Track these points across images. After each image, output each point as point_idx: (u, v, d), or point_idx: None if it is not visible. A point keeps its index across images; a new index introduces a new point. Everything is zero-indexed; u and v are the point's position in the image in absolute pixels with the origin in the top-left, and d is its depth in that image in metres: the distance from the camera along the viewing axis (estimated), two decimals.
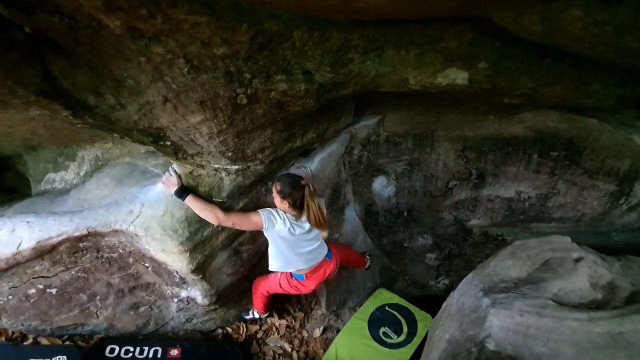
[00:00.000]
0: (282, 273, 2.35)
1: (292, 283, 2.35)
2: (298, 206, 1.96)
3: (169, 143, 1.67)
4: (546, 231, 3.04)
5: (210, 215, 1.93)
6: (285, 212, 2.00)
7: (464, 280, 2.50)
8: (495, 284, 2.01)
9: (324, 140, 2.25)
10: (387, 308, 3.38)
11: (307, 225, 2.07)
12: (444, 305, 2.67)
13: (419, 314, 3.26)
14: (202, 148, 1.69)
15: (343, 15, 1.01)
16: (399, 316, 3.26)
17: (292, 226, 1.99)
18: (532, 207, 2.85)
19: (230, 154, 1.74)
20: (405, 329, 3.12)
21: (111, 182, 2.26)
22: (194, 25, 0.97)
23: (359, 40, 1.14)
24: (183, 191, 1.96)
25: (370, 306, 3.43)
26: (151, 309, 2.80)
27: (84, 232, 2.03)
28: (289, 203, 1.95)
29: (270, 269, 2.22)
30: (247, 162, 1.90)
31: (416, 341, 2.99)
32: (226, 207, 2.09)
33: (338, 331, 3.62)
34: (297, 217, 2.02)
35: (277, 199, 2.00)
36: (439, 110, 2.37)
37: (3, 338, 2.57)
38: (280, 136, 1.78)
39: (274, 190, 2.01)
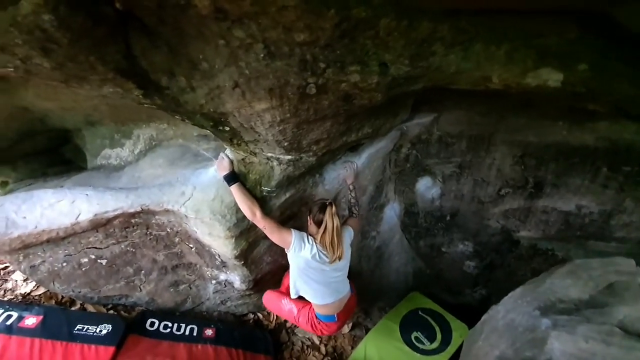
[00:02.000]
0: (301, 308, 2.20)
1: (315, 324, 2.17)
2: (317, 222, 1.94)
3: (227, 129, 1.66)
4: (604, 250, 2.82)
5: (249, 209, 1.90)
6: (314, 239, 1.95)
7: (510, 294, 2.36)
8: (553, 303, 1.87)
9: (377, 136, 2.17)
10: (420, 312, 3.29)
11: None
12: (484, 317, 2.54)
13: (454, 323, 3.15)
14: (259, 136, 1.67)
15: (441, 2, 0.93)
16: (433, 322, 3.16)
17: (318, 253, 1.92)
18: (592, 223, 2.63)
19: (286, 144, 1.72)
20: (438, 336, 3.02)
21: (164, 163, 2.31)
22: (281, 9, 0.93)
23: (448, 31, 1.06)
24: (232, 177, 1.96)
25: (402, 309, 3.35)
26: (190, 287, 2.88)
27: (138, 209, 2.10)
28: (310, 218, 1.97)
29: (291, 296, 2.14)
30: (301, 153, 1.86)
31: (450, 350, 2.89)
32: (268, 207, 2.11)
33: (366, 329, 3.58)
34: (321, 243, 1.95)
35: (308, 220, 2.03)
36: (501, 113, 2.22)
37: (53, 301, 2.74)
38: (338, 129, 1.72)
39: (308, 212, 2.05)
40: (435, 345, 2.94)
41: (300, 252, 1.90)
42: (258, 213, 1.90)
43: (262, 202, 2.11)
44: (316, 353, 3.16)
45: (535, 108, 2.11)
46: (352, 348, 3.31)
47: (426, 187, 3.10)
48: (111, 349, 2.26)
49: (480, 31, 1.06)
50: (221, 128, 1.66)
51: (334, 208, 1.93)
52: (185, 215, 2.10)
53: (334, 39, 1.06)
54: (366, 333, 3.51)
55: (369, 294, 3.73)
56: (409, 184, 3.17)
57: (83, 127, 2.82)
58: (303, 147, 1.80)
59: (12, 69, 1.15)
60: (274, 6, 0.93)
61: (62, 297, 2.76)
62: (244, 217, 2.11)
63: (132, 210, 2.09)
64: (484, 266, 3.51)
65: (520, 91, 1.29)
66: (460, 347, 2.82)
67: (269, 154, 1.88)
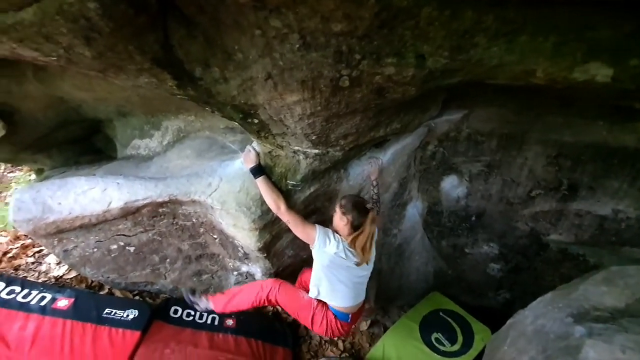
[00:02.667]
0: (317, 305, 2.05)
1: (331, 322, 2.02)
2: (355, 227, 1.84)
3: (256, 121, 1.66)
4: (638, 257, 2.67)
5: (274, 202, 1.90)
6: (340, 236, 1.87)
7: (539, 299, 2.27)
8: (587, 311, 1.78)
9: (405, 132, 2.13)
10: (441, 314, 3.23)
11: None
12: (510, 322, 2.46)
13: (477, 326, 3.07)
14: (287, 129, 1.66)
15: None
16: (454, 324, 3.10)
17: (345, 250, 1.83)
18: (629, 228, 2.49)
19: (314, 137, 1.70)
20: (460, 338, 2.96)
21: (192, 154, 2.35)
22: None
23: (493, 22, 1.01)
24: (258, 170, 1.97)
25: (422, 308, 3.30)
26: (212, 277, 2.93)
27: (166, 198, 2.14)
28: (348, 220, 1.83)
29: (310, 294, 2.05)
30: (328, 147, 1.85)
31: (472, 353, 2.82)
32: (293, 201, 2.11)
33: (385, 327, 3.55)
34: (351, 244, 1.86)
35: (337, 215, 1.89)
36: (537, 111, 2.12)
37: (84, 285, 2.86)
38: (367, 124, 1.69)
39: (337, 206, 1.91)
40: (456, 347, 2.88)
41: (325, 248, 1.82)
42: (282, 206, 1.89)
43: (287, 196, 2.11)
44: (334, 349, 3.16)
45: (574, 106, 2.00)
46: (370, 345, 3.29)
47: (452, 186, 3.03)
48: (137, 334, 2.34)
49: (527, 22, 1.01)
50: (250, 120, 1.66)
51: (374, 213, 1.88)
52: (211, 206, 2.13)
53: (373, 29, 1.03)
54: (384, 331, 3.49)
55: (388, 292, 3.69)
56: (433, 182, 3.10)
57: (114, 118, 2.90)
58: (331, 142, 1.78)
59: (55, 58, 1.18)
60: None
61: (92, 281, 2.87)
62: (269, 209, 2.12)
63: (160, 200, 2.14)
64: (509, 269, 3.40)
65: (565, 86, 1.22)
66: (483, 350, 2.75)
67: (296, 148, 1.88)
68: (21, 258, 2.91)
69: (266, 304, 2.15)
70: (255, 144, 2.03)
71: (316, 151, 1.88)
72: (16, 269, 2.82)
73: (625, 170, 2.22)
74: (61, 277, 2.79)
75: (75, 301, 2.41)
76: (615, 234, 2.56)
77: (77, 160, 3.36)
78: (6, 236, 3.11)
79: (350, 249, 1.84)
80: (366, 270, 2.01)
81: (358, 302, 2.05)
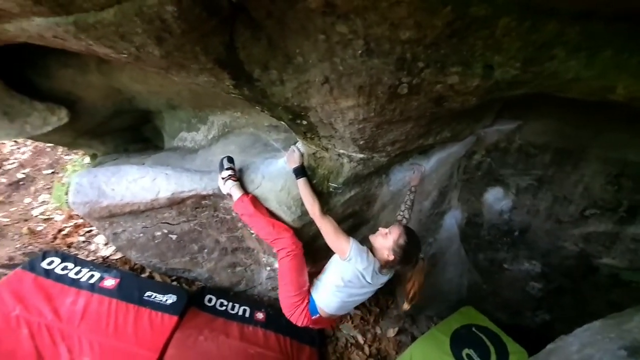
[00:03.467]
0: (305, 293, 1.99)
1: (300, 308, 1.97)
2: (398, 264, 1.76)
3: (305, 122, 1.66)
4: None
5: (311, 205, 1.88)
6: (375, 258, 1.78)
7: (586, 327, 2.11)
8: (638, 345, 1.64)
9: (454, 141, 2.05)
10: (474, 329, 3.10)
11: (383, 279, 1.89)
12: (550, 347, 2.31)
13: (512, 346, 2.93)
14: (336, 132, 1.65)
15: (574, 3, 0.82)
16: (488, 342, 2.97)
17: (373, 274, 1.76)
18: None
19: (362, 142, 1.68)
20: (493, 357, 2.83)
21: (236, 150, 2.40)
22: (393, 4, 0.89)
23: (576, 35, 0.93)
24: (301, 171, 1.97)
25: (454, 322, 3.19)
26: (245, 270, 3.00)
27: (210, 192, 2.21)
28: (395, 258, 1.71)
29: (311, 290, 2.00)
30: (374, 152, 1.82)
31: None
32: (332, 203, 2.12)
33: (412, 336, 3.48)
34: (382, 269, 1.80)
35: (387, 242, 1.74)
36: (600, 126, 1.97)
37: (127, 267, 3.02)
38: (417, 132, 1.65)
39: (392, 235, 1.74)
40: None
41: (356, 265, 1.73)
42: (318, 211, 1.86)
43: (327, 198, 2.11)
44: (359, 352, 3.14)
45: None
46: (397, 353, 3.25)
47: (496, 198, 2.89)
48: (175, 318, 2.44)
49: (617, 37, 0.93)
50: (299, 122, 1.67)
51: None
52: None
53: (442, 38, 0.99)
54: (412, 340, 3.42)
55: (418, 301, 3.60)
56: (475, 193, 2.97)
57: (164, 110, 3.02)
58: (378, 147, 1.75)
59: (125, 55, 1.24)
60: (386, 1, 0.89)
61: (135, 263, 3.04)
62: (307, 212, 2.13)
63: (204, 193, 2.21)
64: (550, 289, 3.21)
65: None
66: None
67: (341, 151, 1.86)
68: (73, 236, 3.12)
69: (270, 245, 2.10)
70: (299, 144, 2.04)
71: (361, 156, 1.86)
72: (69, 246, 3.03)
73: None
74: (108, 257, 2.97)
75: (120, 282, 2.55)
76: None
77: (127, 147, 3.55)
78: (61, 215, 3.35)
79: (378, 272, 1.79)
80: (368, 294, 1.95)
81: (337, 315, 2.05)
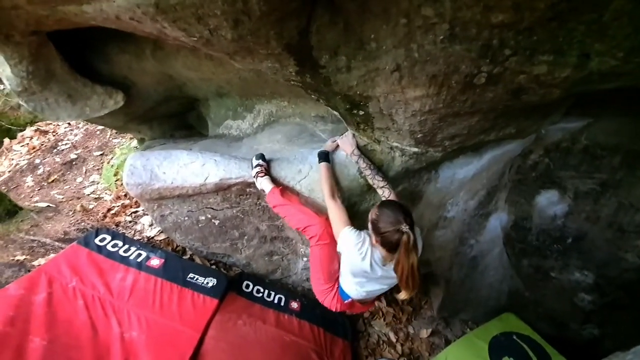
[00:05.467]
0: (335, 281, 1.88)
1: (330, 293, 1.90)
2: (389, 250, 1.51)
3: (362, 113, 1.62)
4: None
5: (330, 188, 1.83)
6: (373, 247, 1.57)
7: None
8: None
9: (516, 138, 1.93)
10: (515, 337, 2.96)
11: (393, 273, 1.57)
12: None
13: (557, 358, 2.77)
14: (393, 124, 1.59)
15: None
16: (530, 352, 2.83)
17: (373, 264, 1.57)
18: None
19: (419, 136, 1.61)
20: None
21: (282, 139, 2.40)
22: None
23: None
24: (325, 156, 1.98)
25: (493, 328, 3.06)
26: (282, 259, 3.02)
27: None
28: (377, 241, 1.52)
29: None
30: (430, 146, 1.74)
31: None
32: (378, 198, 2.01)
33: (446, 339, 3.39)
34: (386, 260, 1.57)
35: (370, 226, 1.59)
36: None
37: (170, 248, 3.12)
38: (481, 126, 1.55)
39: (370, 216, 1.59)
40: None
41: (350, 257, 1.60)
42: (329, 193, 1.82)
43: (373, 192, 2.06)
44: (392, 350, 3.09)
45: None
46: (430, 355, 3.17)
47: (549, 202, 2.71)
48: (215, 301, 2.50)
49: None
50: (356, 112, 1.62)
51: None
52: (298, 192, 2.16)
53: (540, 23, 0.90)
54: (445, 343, 3.33)
55: (454, 303, 3.50)
56: (526, 195, 2.81)
57: (211, 98, 3.07)
58: (435, 141, 1.67)
59: (195, 39, 1.24)
60: None
61: (177, 245, 3.14)
62: (355, 203, 2.10)
63: (251, 180, 2.23)
64: (603, 303, 2.99)
65: None
66: None
67: (394, 144, 1.80)
68: (121, 216, 3.27)
69: (302, 232, 1.99)
70: (349, 132, 2.00)
71: (415, 150, 1.79)
72: (117, 224, 3.18)
73: None
74: (152, 237, 3.08)
75: (165, 262, 2.64)
76: None
77: (172, 133, 3.66)
78: (110, 195, 3.52)
79: (382, 265, 1.59)
80: (389, 279, 1.69)
81: (368, 299, 1.93)
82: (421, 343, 3.23)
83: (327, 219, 1.80)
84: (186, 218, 2.66)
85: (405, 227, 1.41)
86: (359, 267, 1.59)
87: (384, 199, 1.86)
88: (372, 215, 1.57)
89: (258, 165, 2.11)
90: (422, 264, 3.15)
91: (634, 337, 2.32)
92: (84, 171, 4.01)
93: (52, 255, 2.56)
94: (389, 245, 1.47)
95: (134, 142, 4.41)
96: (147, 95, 2.86)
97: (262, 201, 2.52)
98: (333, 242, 1.77)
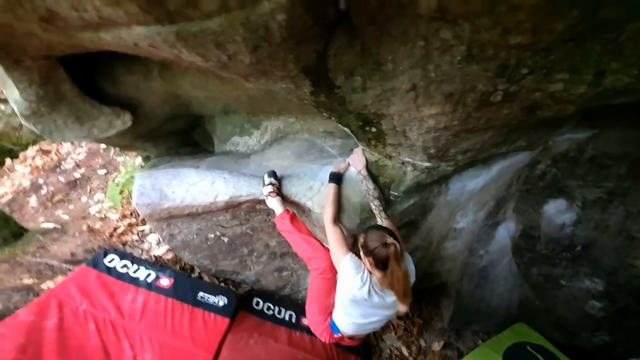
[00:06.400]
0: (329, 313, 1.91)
1: (322, 326, 1.93)
2: (382, 268, 1.54)
3: (374, 130, 1.63)
4: None
5: (332, 211, 1.89)
6: (370, 274, 1.61)
7: None
8: None
9: (526, 150, 1.95)
10: (528, 348, 2.93)
11: (390, 299, 1.63)
12: None
13: None
14: (406, 140, 1.60)
15: None
16: None
17: (371, 291, 1.58)
18: None
19: (432, 151, 1.63)
20: None
21: (291, 155, 2.40)
22: (513, 8, 0.84)
23: None
24: (337, 177, 1.99)
25: (506, 339, 3.02)
26: (291, 275, 3.00)
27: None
28: (370, 262, 1.57)
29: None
30: (442, 161, 1.75)
31: None
32: (390, 212, 2.04)
33: (458, 351, 3.35)
34: (382, 284, 1.59)
35: (361, 255, 1.65)
36: None
37: (178, 267, 3.09)
38: (494, 140, 1.57)
39: (359, 242, 1.65)
40: None
41: (347, 281, 1.61)
42: (331, 218, 1.87)
43: (387, 206, 2.07)
44: None
45: None
46: None
47: (557, 211, 2.72)
48: (227, 321, 2.47)
49: None
50: (368, 129, 1.64)
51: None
52: (310, 209, 2.16)
53: (557, 43, 0.93)
54: (458, 355, 3.29)
55: (465, 315, 3.47)
56: (534, 205, 2.81)
57: (217, 115, 3.09)
58: (448, 156, 1.68)
59: (212, 63, 1.26)
60: (505, 5, 0.84)
61: (185, 263, 3.11)
62: (367, 218, 2.09)
63: (261, 198, 2.22)
64: (614, 311, 2.98)
65: None
66: None
67: (406, 159, 1.81)
68: (128, 235, 3.25)
69: (305, 262, 2.05)
70: (360, 149, 2.01)
71: (427, 164, 1.80)
72: (124, 244, 3.15)
73: None
74: (160, 256, 3.06)
75: (175, 281, 2.61)
76: None
77: (178, 150, 3.66)
78: (116, 213, 3.50)
79: (379, 291, 1.61)
80: (384, 316, 1.77)
81: (357, 335, 1.92)
82: (434, 356, 3.19)
83: (329, 254, 1.82)
84: (195, 236, 2.65)
85: (390, 239, 1.50)
86: (357, 294, 1.60)
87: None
88: (360, 240, 1.64)
89: (270, 184, 2.12)
90: (432, 276, 3.14)
91: None
92: (89, 190, 4.00)
93: (60, 278, 2.54)
94: (381, 261, 1.52)
95: (138, 160, 4.42)
96: (153, 115, 2.87)
97: (272, 217, 2.51)
98: (334, 278, 1.80)
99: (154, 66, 2.43)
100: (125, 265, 2.62)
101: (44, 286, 2.43)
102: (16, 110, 2.16)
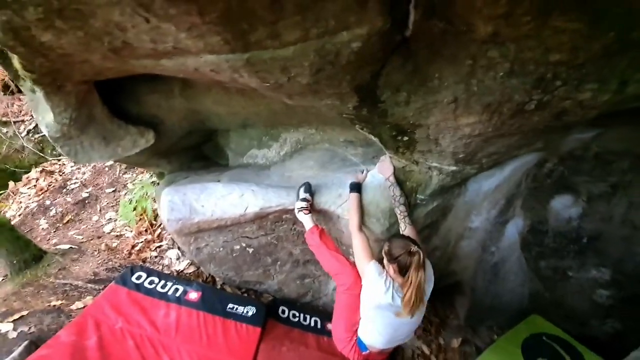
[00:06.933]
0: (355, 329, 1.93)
1: (349, 344, 1.94)
2: (404, 275, 1.62)
3: (406, 139, 1.74)
4: None
5: (357, 218, 2.00)
6: (393, 280, 1.69)
7: None
8: None
9: (540, 150, 2.09)
10: (544, 338, 3.07)
11: None
12: (636, 354, 2.31)
13: (589, 356, 2.88)
14: (437, 147, 1.72)
15: None
16: (562, 351, 2.93)
17: (395, 296, 1.64)
18: None
19: (461, 156, 1.75)
20: None
21: (315, 165, 2.50)
22: (557, 32, 0.97)
23: None
24: (357, 187, 2.11)
25: (522, 331, 3.15)
26: (314, 282, 3.07)
27: None
28: (394, 269, 1.66)
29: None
30: (467, 164, 1.88)
31: None
32: (416, 214, 2.17)
33: (476, 346, 3.45)
34: (403, 287, 1.65)
35: (384, 261, 1.74)
36: None
37: (200, 280, 3.13)
38: (518, 143, 1.71)
39: (383, 250, 1.75)
40: None
41: (372, 287, 1.68)
42: (357, 225, 1.98)
43: (412, 209, 2.18)
44: None
45: None
46: None
47: (564, 206, 2.89)
48: (258, 330, 2.52)
49: None
50: (400, 137, 1.75)
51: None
52: (339, 216, 2.25)
53: (591, 59, 1.06)
54: (476, 350, 3.40)
55: (480, 311, 3.59)
56: (542, 200, 2.97)
57: (233, 129, 3.17)
58: (475, 160, 1.81)
59: (268, 85, 1.35)
60: (550, 29, 0.97)
61: (207, 277, 3.15)
62: (395, 222, 2.19)
63: (291, 207, 2.31)
64: (622, 298, 3.14)
65: None
66: None
67: (433, 164, 1.93)
68: (146, 252, 3.27)
69: (333, 277, 2.14)
70: (387, 156, 2.12)
71: (454, 168, 1.92)
72: (144, 261, 3.17)
73: None
74: (182, 271, 3.09)
75: (203, 294, 2.65)
76: None
77: (190, 165, 3.71)
78: (131, 231, 3.51)
79: (400, 294, 1.66)
80: (409, 325, 1.79)
81: (384, 349, 1.92)
82: (454, 353, 3.29)
83: (356, 270, 1.89)
84: (221, 248, 2.70)
85: (415, 248, 1.60)
86: (382, 299, 1.65)
87: (400, 231, 2.01)
88: (384, 248, 1.74)
89: (305, 199, 2.20)
90: (449, 275, 3.25)
91: None
92: (99, 209, 3.99)
93: (88, 298, 2.54)
94: (404, 268, 1.61)
95: (147, 177, 4.43)
96: (172, 131, 2.93)
97: (297, 226, 2.59)
98: (358, 293, 1.85)
99: (176, 84, 2.50)
100: (152, 282, 2.64)
101: (73, 307, 2.44)
102: (46, 133, 2.20)
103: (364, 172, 2.22)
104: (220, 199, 2.38)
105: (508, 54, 1.08)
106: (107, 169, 4.73)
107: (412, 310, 1.64)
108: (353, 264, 1.94)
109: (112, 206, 4.04)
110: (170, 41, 1.09)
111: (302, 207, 2.16)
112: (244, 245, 2.69)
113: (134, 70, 1.55)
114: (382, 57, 1.16)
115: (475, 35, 1.02)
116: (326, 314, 3.19)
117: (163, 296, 2.55)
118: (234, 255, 2.75)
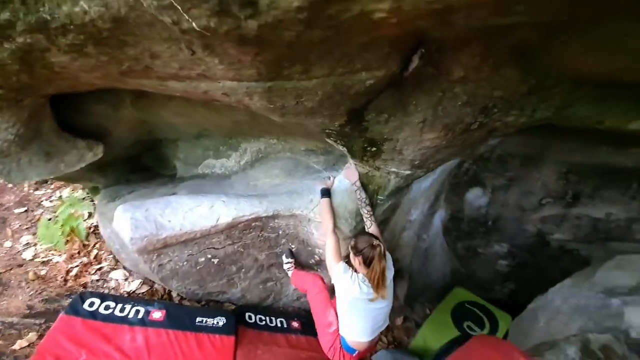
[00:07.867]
0: (334, 331, 2.09)
1: (336, 348, 2.08)
2: (367, 265, 1.86)
3: (374, 149, 2.05)
4: (621, 250, 3.41)
5: (330, 220, 2.21)
6: (357, 273, 1.92)
7: (559, 285, 2.89)
8: (611, 289, 2.39)
9: (466, 156, 2.63)
10: (466, 305, 3.77)
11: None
12: (533, 306, 3.07)
13: (499, 313, 3.65)
14: (399, 156, 2.07)
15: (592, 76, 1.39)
16: (480, 313, 3.65)
17: (360, 284, 1.85)
18: (617, 228, 3.22)
19: (417, 162, 2.13)
20: (487, 324, 3.52)
21: (281, 173, 2.64)
22: (502, 77, 1.36)
23: (589, 92, 1.53)
24: (327, 192, 2.35)
25: (450, 302, 3.82)
26: (276, 285, 3.20)
27: (270, 213, 2.42)
28: (359, 261, 1.89)
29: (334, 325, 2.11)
30: (419, 169, 2.28)
31: (499, 335, 3.38)
32: (377, 212, 2.51)
33: (415, 321, 4.02)
34: (368, 279, 1.89)
35: (350, 255, 1.96)
36: (561, 138, 2.75)
37: (155, 298, 2.98)
38: (456, 152, 2.16)
39: (350, 245, 1.99)
40: (485, 331, 3.43)
41: (343, 284, 1.89)
42: (331, 227, 2.19)
43: (374, 209, 2.52)
44: (379, 343, 3.54)
45: (588, 134, 2.65)
46: (408, 338, 3.73)
47: (475, 197, 3.61)
48: (232, 338, 2.56)
49: (615, 93, 1.54)
50: (369, 148, 2.05)
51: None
52: (309, 219, 2.46)
53: (519, 95, 1.50)
54: (415, 325, 3.95)
55: (415, 291, 4.18)
56: (459, 194, 3.66)
57: (183, 139, 3.08)
58: (425, 165, 2.21)
59: (272, 107, 1.49)
60: (499, 76, 1.36)
61: (162, 294, 3.01)
62: (361, 221, 2.50)
63: (265, 215, 2.42)
64: (515, 264, 4.06)
65: (616, 131, 1.79)
66: (507, 332, 3.33)
67: (392, 169, 2.28)
68: (85, 276, 2.95)
69: (304, 289, 2.58)
70: (351, 163, 2.40)
71: (408, 172, 2.30)
72: (84, 286, 2.86)
73: (619, 184, 2.92)
74: (133, 291, 2.89)
75: (167, 312, 2.56)
76: (606, 232, 3.29)
77: (128, 177, 3.45)
78: (60, 255, 3.12)
79: (367, 284, 1.87)
80: (382, 304, 1.97)
81: (369, 339, 2.03)
82: (399, 330, 3.77)
83: (323, 280, 2.37)
84: (185, 263, 2.63)
85: (376, 242, 1.90)
86: (352, 291, 1.86)
87: (366, 228, 2.30)
88: (351, 243, 1.99)
89: (289, 262, 2.79)
90: (393, 263, 3.70)
91: (537, 286, 3.30)
92: (10, 233, 3.40)
93: (31, 335, 2.23)
94: (368, 259, 1.85)
95: (68, 192, 3.92)
96: (118, 143, 2.74)
97: (264, 232, 2.70)
98: (324, 295, 2.29)
99: (127, 95, 2.38)
100: (108, 306, 2.45)
101: (15, 347, 2.12)
102: None
103: (331, 178, 2.46)
104: (188, 212, 2.35)
105: (467, 90, 1.45)
106: (10, 185, 4.02)
107: (382, 292, 1.89)
108: (319, 276, 2.36)
109: (27, 228, 3.49)
110: (201, 69, 1.16)
111: (289, 268, 2.77)
112: (209, 256, 2.68)
113: (123, 87, 1.51)
114: (381, 90, 1.42)
115: (450, 77, 1.36)
116: (289, 314, 3.35)
117: (124, 320, 2.39)
118: (198, 268, 2.71)
